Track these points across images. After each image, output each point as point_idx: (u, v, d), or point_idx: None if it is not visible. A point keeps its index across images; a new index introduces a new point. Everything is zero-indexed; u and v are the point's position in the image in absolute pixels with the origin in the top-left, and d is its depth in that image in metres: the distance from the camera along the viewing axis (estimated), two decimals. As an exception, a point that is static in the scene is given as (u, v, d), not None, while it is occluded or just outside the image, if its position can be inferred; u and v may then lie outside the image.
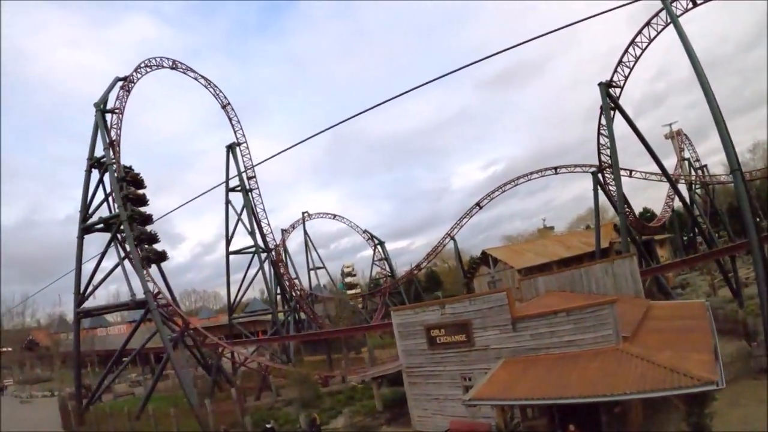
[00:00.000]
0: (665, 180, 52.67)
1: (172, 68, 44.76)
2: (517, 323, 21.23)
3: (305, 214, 67.94)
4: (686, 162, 64.18)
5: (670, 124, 68.65)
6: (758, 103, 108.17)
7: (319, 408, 30.70)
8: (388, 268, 66.79)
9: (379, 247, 67.45)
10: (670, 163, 65.35)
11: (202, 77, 47.46)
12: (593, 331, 18.92)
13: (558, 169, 52.26)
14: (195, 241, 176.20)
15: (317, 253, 71.60)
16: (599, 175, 42.64)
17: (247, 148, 49.21)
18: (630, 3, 29.20)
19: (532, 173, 52.89)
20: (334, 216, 69.01)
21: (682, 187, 60.66)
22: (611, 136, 38.70)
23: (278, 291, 50.04)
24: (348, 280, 73.65)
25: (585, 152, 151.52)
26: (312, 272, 70.18)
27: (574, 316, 19.63)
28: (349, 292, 73.56)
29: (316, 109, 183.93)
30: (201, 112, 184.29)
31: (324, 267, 71.73)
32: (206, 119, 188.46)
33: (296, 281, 58.06)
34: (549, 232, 76.85)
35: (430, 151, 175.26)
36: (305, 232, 68.54)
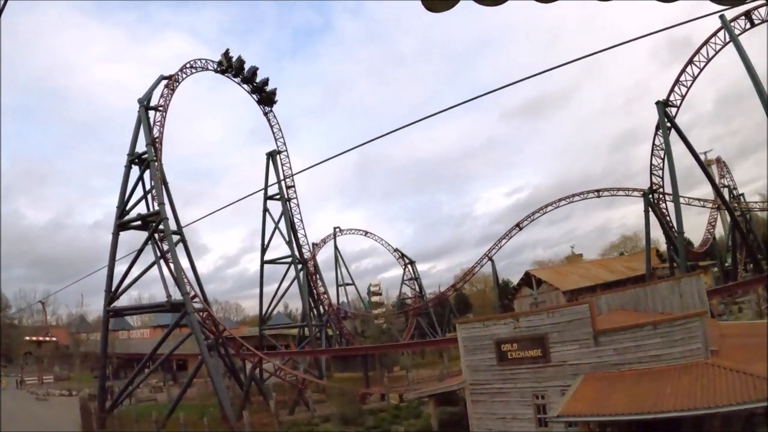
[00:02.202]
0: (709, 206, 51.09)
1: (215, 71, 44.17)
2: (599, 337, 19.77)
3: (336, 230, 66.79)
4: (726, 189, 62.23)
5: (705, 153, 67.10)
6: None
7: (364, 426, 28.83)
8: (418, 288, 65.16)
9: (409, 266, 65.94)
10: (705, 191, 63.85)
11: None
12: (681, 345, 17.84)
13: (600, 192, 50.79)
14: (219, 253, 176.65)
15: (347, 269, 70.35)
16: (650, 197, 41.17)
17: (287, 156, 48.35)
18: (678, 25, 28.15)
19: (573, 195, 51.55)
20: (366, 233, 67.84)
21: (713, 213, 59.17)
22: (669, 155, 37.35)
23: (311, 304, 48.36)
24: (375, 298, 71.91)
25: (610, 181, 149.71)
26: (339, 288, 68.50)
27: (662, 329, 18.45)
28: (374, 311, 71.75)
29: (346, 132, 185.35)
30: (231, 126, 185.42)
31: (353, 283, 70.20)
32: (236, 134, 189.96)
33: (325, 296, 56.34)
34: (578, 259, 74.86)
35: (455, 177, 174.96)
36: (336, 248, 67.27)
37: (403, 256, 67.03)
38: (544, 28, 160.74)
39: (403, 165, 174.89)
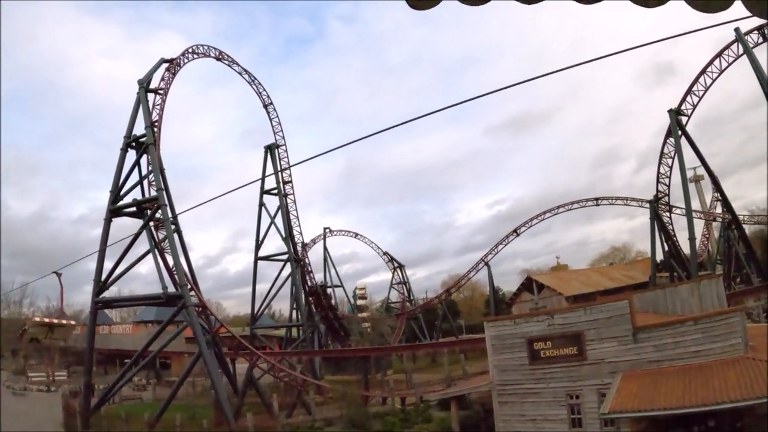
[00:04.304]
0: (708, 218, 51.64)
1: (217, 59, 42.50)
2: (638, 334, 19.42)
3: (326, 230, 65.28)
4: (718, 203, 63.18)
5: (694, 168, 68.18)
6: (762, 160, 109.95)
7: (372, 430, 27.43)
8: (406, 292, 64.15)
9: (397, 270, 64.86)
10: (694, 205, 64.60)
11: (246, 72, 45.30)
12: (722, 341, 17.91)
13: (599, 201, 50.87)
14: (200, 252, 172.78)
15: (336, 270, 68.79)
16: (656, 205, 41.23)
17: (286, 151, 46.77)
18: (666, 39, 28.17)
19: (573, 203, 51.67)
20: (356, 235, 66.62)
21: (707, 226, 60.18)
22: (681, 163, 37.44)
23: (302, 304, 46.56)
24: (360, 302, 70.56)
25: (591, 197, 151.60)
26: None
27: (703, 324, 18.47)
28: (360, 314, 70.43)
29: (336, 139, 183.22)
30: (221, 128, 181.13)
31: (342, 285, 68.61)
32: (226, 136, 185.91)
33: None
34: (564, 269, 75.05)
35: (438, 187, 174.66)
36: (325, 248, 65.71)
37: (392, 259, 66.04)
38: (533, 48, 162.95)
39: (387, 174, 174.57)
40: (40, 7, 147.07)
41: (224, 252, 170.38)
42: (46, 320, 25.19)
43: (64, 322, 25.17)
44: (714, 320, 18.55)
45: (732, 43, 36.08)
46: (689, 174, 67.47)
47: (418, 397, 31.29)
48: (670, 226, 41.34)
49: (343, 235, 66.34)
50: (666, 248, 42.17)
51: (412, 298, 65.29)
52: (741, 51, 34.95)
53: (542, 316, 21.72)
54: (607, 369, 19.78)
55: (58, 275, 28.64)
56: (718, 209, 60.08)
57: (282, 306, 71.54)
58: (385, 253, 66.13)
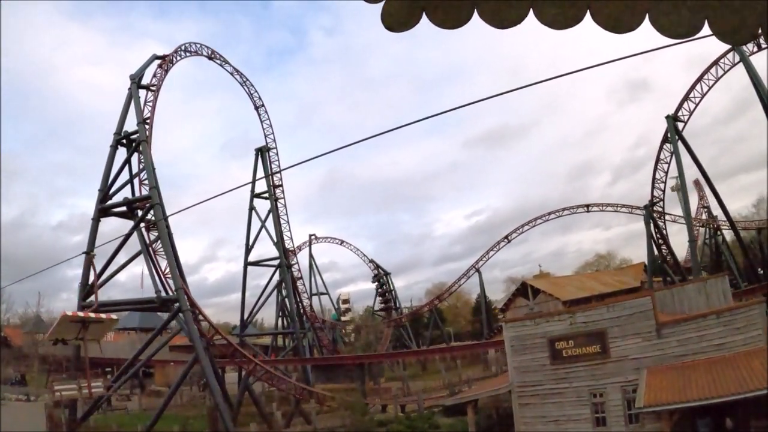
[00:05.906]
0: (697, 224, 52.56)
1: (209, 57, 41.45)
2: (662, 329, 19.53)
3: (312, 237, 64.02)
4: (705, 210, 64.42)
5: (676, 178, 69.49)
6: (734, 172, 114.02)
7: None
8: (392, 300, 63.36)
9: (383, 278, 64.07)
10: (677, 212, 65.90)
11: (239, 73, 44.28)
12: (743, 333, 18.19)
13: (590, 207, 51.37)
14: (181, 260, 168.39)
15: (321, 277, 67.70)
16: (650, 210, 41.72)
17: (277, 154, 45.68)
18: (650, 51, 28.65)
19: (563, 209, 52.33)
20: (342, 242, 65.62)
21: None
22: (680, 167, 38.15)
23: (291, 310, 45.27)
24: (345, 318, 69.31)
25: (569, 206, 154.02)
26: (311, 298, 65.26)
27: (725, 318, 18.79)
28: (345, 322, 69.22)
29: (315, 149, 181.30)
30: (202, 137, 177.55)
31: (327, 293, 67.27)
32: (207, 146, 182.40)
33: (306, 302, 53.38)
34: (547, 276, 75.53)
35: (416, 198, 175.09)
36: (311, 255, 64.50)
37: (378, 267, 65.25)
38: (511, 63, 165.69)
39: (367, 184, 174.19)
40: (23, 12, 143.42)
41: (203, 260, 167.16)
42: (81, 314, 21.16)
43: (103, 317, 21.17)
44: (735, 313, 18.78)
45: (728, 51, 36.66)
46: (672, 183, 69.01)
47: (420, 404, 30.48)
48: (665, 231, 41.88)
49: (329, 242, 65.55)
50: (657, 253, 42.61)
51: (398, 306, 64.63)
52: (737, 59, 35.63)
53: (564, 314, 21.35)
54: (631, 366, 19.68)
55: (91, 256, 24.91)
56: (703, 218, 61.69)
57: (265, 314, 69.88)
58: (371, 261, 65.41)
